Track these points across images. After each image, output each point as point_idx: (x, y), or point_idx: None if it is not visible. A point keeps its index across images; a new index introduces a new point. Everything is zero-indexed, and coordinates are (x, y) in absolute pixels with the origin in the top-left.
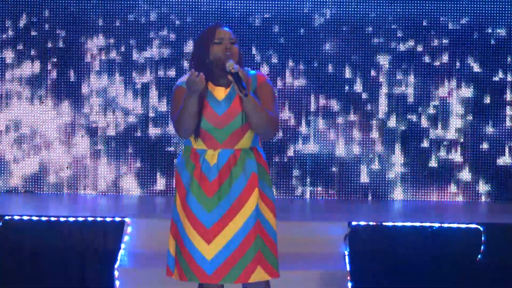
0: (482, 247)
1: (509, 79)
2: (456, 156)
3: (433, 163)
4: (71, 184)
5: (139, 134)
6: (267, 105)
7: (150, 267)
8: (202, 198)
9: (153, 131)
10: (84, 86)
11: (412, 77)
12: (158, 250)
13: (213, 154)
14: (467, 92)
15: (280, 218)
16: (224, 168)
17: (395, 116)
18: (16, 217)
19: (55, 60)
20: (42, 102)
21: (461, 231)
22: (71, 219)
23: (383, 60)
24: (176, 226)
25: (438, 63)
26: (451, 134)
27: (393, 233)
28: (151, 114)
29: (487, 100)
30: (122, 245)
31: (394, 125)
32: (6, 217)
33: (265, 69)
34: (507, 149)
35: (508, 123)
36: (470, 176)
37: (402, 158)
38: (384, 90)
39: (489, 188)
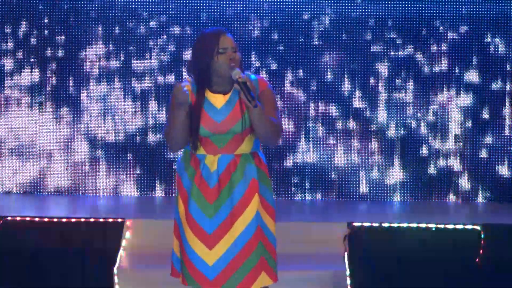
0: (481, 248)
1: (508, 88)
2: (456, 164)
3: (432, 170)
4: (70, 188)
5: (138, 141)
6: (270, 112)
7: (150, 268)
8: (203, 204)
9: (153, 138)
10: (83, 93)
11: (412, 84)
12: (158, 251)
13: (213, 160)
14: (466, 99)
15: (279, 219)
16: (224, 173)
17: (394, 123)
18: (16, 218)
19: (54, 67)
20: (42, 103)
21: (460, 232)
22: (70, 219)
23: (382, 68)
24: (179, 228)
25: (437, 71)
26: (450, 142)
27: (393, 234)
28: (151, 121)
29: (486, 108)
30: (122, 246)
31: (393, 132)
32: (6, 218)
33: (263, 76)
34: (506, 158)
35: (507, 132)
36: (469, 185)
37: (401, 166)
38: (383, 97)
39: (489, 194)
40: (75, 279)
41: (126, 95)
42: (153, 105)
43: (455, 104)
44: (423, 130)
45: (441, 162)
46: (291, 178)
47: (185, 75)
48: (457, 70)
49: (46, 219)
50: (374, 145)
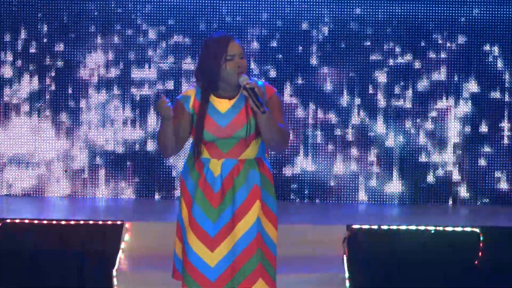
0: (480, 251)
1: (507, 98)
2: (455, 173)
3: (430, 179)
4: (69, 193)
5: (137, 149)
6: (277, 118)
7: (148, 270)
8: (207, 209)
9: (152, 146)
10: (82, 101)
11: (410, 93)
12: (156, 253)
13: (217, 164)
14: (465, 108)
15: (278, 221)
16: (227, 178)
17: (393, 131)
18: (15, 220)
19: (53, 75)
20: (41, 105)
21: (459, 235)
22: (69, 222)
23: (381, 76)
24: (181, 231)
25: (436, 80)
26: (449, 151)
27: (392, 236)
28: (150, 129)
29: (485, 116)
30: (121, 248)
31: (392, 140)
32: (6, 220)
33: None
34: (504, 167)
35: (506, 141)
36: (468, 195)
37: (399, 175)
38: (381, 105)
39: (487, 200)
40: (74, 281)
41: (125, 104)
42: (152, 114)
43: (454, 113)
44: (422, 138)
45: (440, 171)
46: (290, 185)
47: (183, 85)
48: (456, 79)
49: (45, 222)
50: (373, 152)
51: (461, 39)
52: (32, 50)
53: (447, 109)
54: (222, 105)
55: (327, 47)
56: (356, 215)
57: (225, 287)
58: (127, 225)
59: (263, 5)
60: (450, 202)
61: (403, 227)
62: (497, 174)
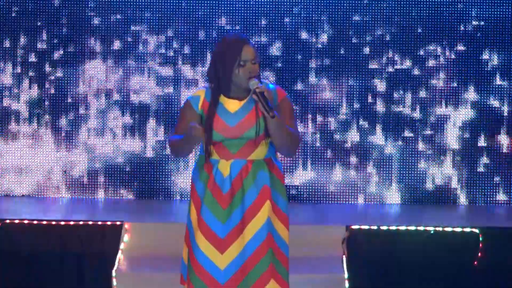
0: (479, 251)
1: (506, 109)
2: (453, 179)
3: (430, 186)
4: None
5: (137, 154)
6: (288, 122)
7: (148, 271)
8: (216, 210)
9: (151, 153)
10: (82, 108)
11: (409, 99)
12: (156, 253)
13: (226, 165)
14: (465, 114)
15: None
16: (236, 179)
17: (392, 137)
18: (14, 221)
19: (52, 81)
20: (40, 113)
21: (459, 235)
22: (69, 222)
23: (380, 83)
24: (189, 235)
25: (435, 87)
26: (449, 158)
27: (391, 237)
28: (150, 136)
29: (483, 124)
30: (120, 249)
31: (391, 145)
32: (5, 221)
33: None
34: (502, 173)
35: (504, 150)
36: (467, 202)
37: (399, 180)
38: (381, 111)
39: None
40: (74, 282)
41: (125, 110)
42: (151, 121)
43: (453, 119)
44: (421, 144)
45: (439, 180)
46: (289, 191)
47: (183, 92)
48: (455, 85)
49: (44, 222)
50: (371, 159)
51: (460, 48)
52: (32, 58)
53: (446, 116)
54: (231, 105)
55: (326, 54)
56: (355, 216)
57: None
58: (126, 225)
59: (262, 13)
60: (450, 203)
61: (403, 228)
62: (496, 179)
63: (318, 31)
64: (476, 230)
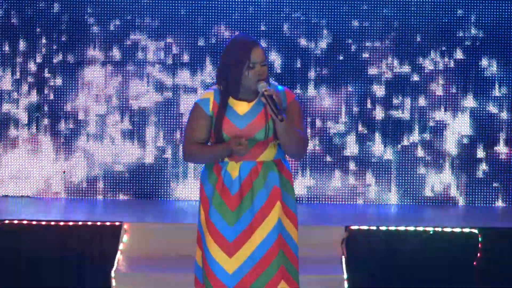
0: (479, 251)
1: (504, 116)
2: (452, 186)
3: (429, 192)
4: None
5: (137, 160)
6: (296, 124)
7: (147, 271)
8: (224, 212)
9: (151, 158)
10: (81, 112)
11: (408, 105)
12: (155, 254)
13: (235, 166)
14: (463, 120)
15: None
16: (245, 181)
17: (391, 141)
18: (13, 221)
19: (52, 87)
20: (40, 115)
21: (458, 235)
22: (68, 223)
23: (379, 89)
24: (201, 237)
25: (434, 92)
26: (448, 164)
27: (390, 238)
28: (149, 141)
29: (482, 130)
30: (119, 249)
31: (391, 150)
32: (4, 221)
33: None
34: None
35: (502, 156)
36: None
37: (397, 185)
38: (379, 116)
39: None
40: (73, 282)
41: (124, 116)
42: (151, 127)
43: (452, 124)
44: (420, 150)
45: (438, 186)
46: None
47: (182, 97)
48: (453, 91)
49: (43, 223)
50: (371, 163)
51: (459, 54)
52: (31, 64)
53: (445, 121)
54: (240, 107)
55: (325, 60)
56: (354, 216)
57: None
58: (125, 226)
59: (261, 19)
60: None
61: (402, 228)
62: (495, 184)
63: (317, 37)
64: (475, 231)
